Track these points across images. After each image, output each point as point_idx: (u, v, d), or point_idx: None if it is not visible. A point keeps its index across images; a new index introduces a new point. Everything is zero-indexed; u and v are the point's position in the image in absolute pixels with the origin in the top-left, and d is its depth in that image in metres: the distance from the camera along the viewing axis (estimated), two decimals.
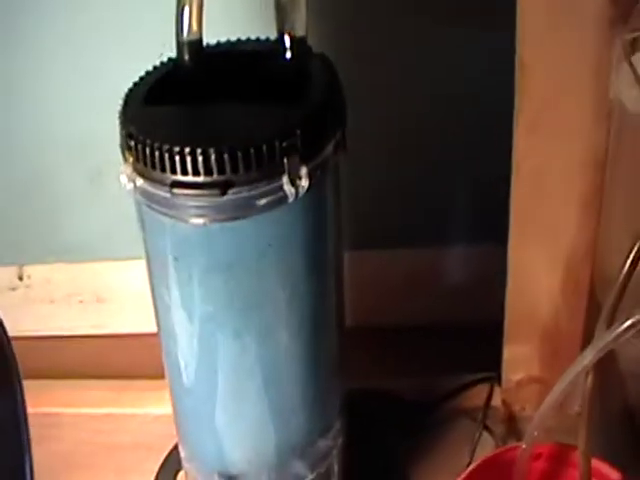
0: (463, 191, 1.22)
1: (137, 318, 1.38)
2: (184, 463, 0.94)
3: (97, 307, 1.40)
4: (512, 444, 0.83)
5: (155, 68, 0.80)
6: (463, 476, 0.79)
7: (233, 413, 0.84)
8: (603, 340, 0.69)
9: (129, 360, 1.33)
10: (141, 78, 0.79)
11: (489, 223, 1.04)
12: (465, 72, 1.13)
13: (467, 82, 1.14)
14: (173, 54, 0.80)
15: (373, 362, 1.10)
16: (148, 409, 1.19)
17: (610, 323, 0.70)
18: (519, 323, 1.04)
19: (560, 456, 0.83)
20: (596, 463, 0.79)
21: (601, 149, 0.88)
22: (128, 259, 1.34)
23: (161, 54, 0.81)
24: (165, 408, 1.10)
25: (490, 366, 1.11)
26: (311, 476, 0.89)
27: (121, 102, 0.76)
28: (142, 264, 1.32)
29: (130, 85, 0.78)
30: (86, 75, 1.20)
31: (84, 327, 1.41)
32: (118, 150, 0.76)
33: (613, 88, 0.85)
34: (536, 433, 0.78)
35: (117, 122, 0.75)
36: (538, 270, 0.99)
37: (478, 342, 1.07)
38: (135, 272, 1.33)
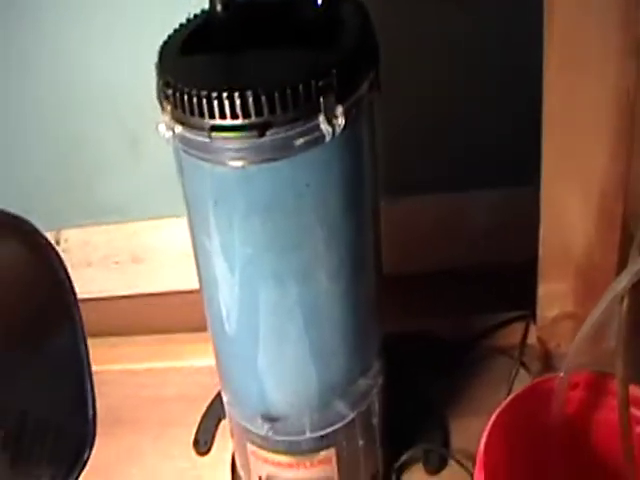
0: (493, 135, 1.23)
1: (172, 276, 1.40)
2: (227, 408, 0.96)
3: (133, 268, 1.42)
4: (549, 375, 0.84)
5: (188, 20, 0.82)
6: (503, 405, 0.81)
7: (275, 356, 0.86)
8: (637, 264, 0.70)
9: (166, 317, 1.35)
10: (175, 30, 0.81)
11: (519, 167, 1.05)
12: (495, 12, 1.14)
13: (497, 22, 1.14)
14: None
15: (409, 306, 1.11)
16: (189, 361, 1.21)
17: None
18: (553, 260, 1.04)
19: (597, 385, 0.84)
20: (634, 390, 0.80)
21: (632, 83, 0.88)
22: (162, 218, 1.36)
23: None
24: (206, 360, 1.13)
25: (525, 305, 1.12)
26: (352, 415, 0.91)
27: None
28: (176, 223, 1.35)
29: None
30: (124, 36, 1.21)
31: (121, 288, 1.42)
32: (155, 112, 0.77)
33: None
34: (574, 361, 0.79)
35: (149, 87, 0.77)
36: (571, 206, 0.99)
37: (512, 282, 1.09)
38: (169, 231, 1.36)
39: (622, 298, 0.74)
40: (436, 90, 1.20)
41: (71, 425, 0.66)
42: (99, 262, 1.41)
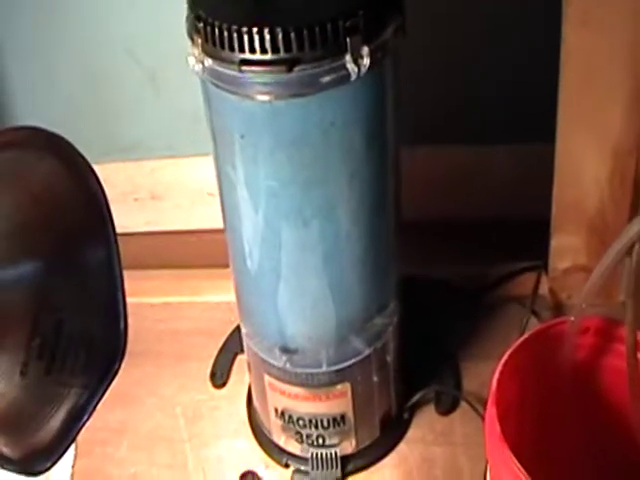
0: (509, 90, 1.24)
1: (191, 215, 1.42)
2: (246, 340, 0.98)
3: (152, 204, 1.44)
4: (560, 318, 0.86)
5: None
6: (515, 345, 0.82)
7: (295, 288, 0.87)
8: None
9: (184, 254, 1.37)
10: None
11: (535, 122, 1.06)
12: None
13: None
14: None
15: (425, 253, 1.12)
16: (206, 297, 1.23)
17: None
18: (566, 213, 1.06)
19: (607, 330, 0.85)
20: None
21: None
22: (181, 157, 1.38)
23: None
24: (223, 295, 1.15)
25: (538, 256, 1.14)
26: (368, 351, 0.93)
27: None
28: (196, 162, 1.36)
29: None
30: None
31: (139, 224, 1.45)
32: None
33: None
34: (584, 305, 0.81)
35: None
36: (585, 161, 1.01)
37: (528, 233, 1.10)
38: (188, 170, 1.37)
39: (632, 246, 0.75)
40: (456, 43, 1.22)
41: (104, 336, 0.69)
42: (118, 198, 1.42)
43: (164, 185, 1.41)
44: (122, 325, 0.70)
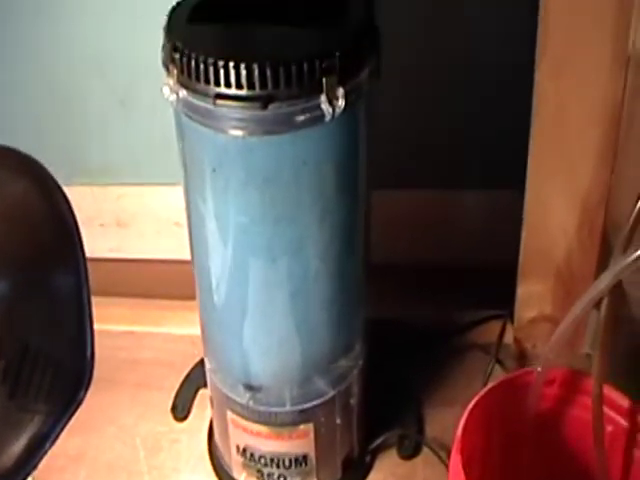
0: (480, 136, 1.24)
1: (157, 244, 1.41)
2: (209, 375, 0.97)
3: (117, 231, 1.42)
4: (527, 369, 0.86)
5: None
6: (481, 393, 0.82)
7: (261, 326, 0.87)
8: (617, 266, 0.71)
9: (148, 283, 1.36)
10: None
11: (505, 170, 1.06)
12: (492, 13, 1.15)
13: (491, 26, 1.16)
14: None
15: (392, 296, 1.12)
16: (169, 328, 1.22)
17: (624, 253, 0.73)
18: (534, 262, 1.06)
19: (573, 382, 0.85)
20: (608, 390, 0.82)
21: (618, 99, 0.90)
22: (151, 185, 1.36)
23: None
24: (186, 328, 1.15)
25: (505, 302, 1.13)
26: (332, 393, 0.92)
27: (163, 24, 0.78)
28: (164, 191, 1.35)
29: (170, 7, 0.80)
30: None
31: (104, 250, 1.43)
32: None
33: (631, 42, 0.87)
34: (551, 357, 0.80)
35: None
36: (554, 211, 1.01)
37: (493, 281, 1.09)
38: (156, 198, 1.36)
39: (600, 300, 0.75)
40: (427, 89, 1.22)
41: (70, 362, 0.67)
42: (84, 222, 1.39)
43: (130, 212, 1.40)
44: (89, 353, 0.68)
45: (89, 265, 0.70)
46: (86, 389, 0.68)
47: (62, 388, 0.67)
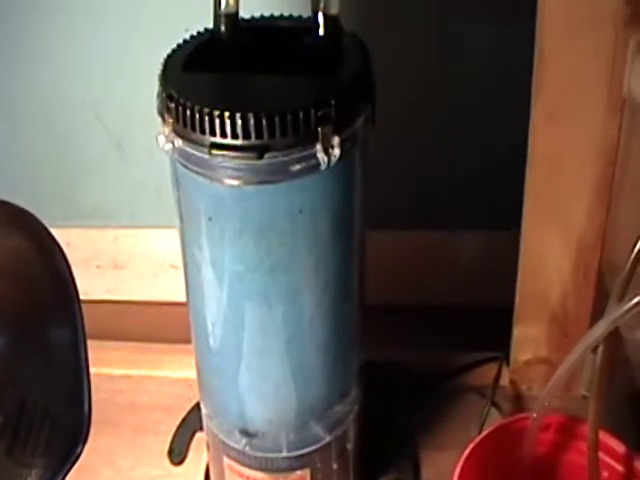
0: (476, 178, 1.25)
1: (153, 286, 1.41)
2: (205, 420, 0.96)
3: (114, 273, 1.43)
4: (522, 414, 0.86)
5: (192, 37, 0.83)
6: (477, 440, 0.82)
7: (257, 372, 0.87)
8: (614, 313, 0.71)
9: (145, 326, 1.36)
10: (179, 46, 0.82)
11: (502, 211, 1.07)
12: (486, 60, 1.16)
13: (486, 72, 1.17)
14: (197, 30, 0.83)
15: (388, 338, 1.12)
16: (166, 372, 1.22)
17: (620, 299, 0.73)
18: (529, 304, 1.06)
19: (568, 427, 0.85)
20: (603, 436, 0.82)
21: (613, 142, 0.91)
22: (147, 227, 1.37)
23: (186, 30, 0.84)
24: (183, 371, 1.15)
25: (501, 342, 1.13)
26: (328, 438, 0.92)
27: (159, 70, 0.79)
28: (159, 233, 1.36)
29: (165, 55, 0.81)
30: (113, 43, 1.22)
31: (100, 292, 1.44)
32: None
33: (626, 85, 0.87)
34: (547, 403, 0.80)
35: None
36: (549, 253, 1.01)
37: (490, 323, 1.10)
38: (152, 240, 1.36)
39: (597, 346, 0.76)
40: (423, 130, 1.23)
41: (67, 418, 0.67)
42: (80, 264, 1.41)
43: (126, 254, 1.40)
44: (86, 407, 0.68)
45: (86, 307, 0.70)
46: (84, 443, 0.68)
47: (60, 442, 0.67)
